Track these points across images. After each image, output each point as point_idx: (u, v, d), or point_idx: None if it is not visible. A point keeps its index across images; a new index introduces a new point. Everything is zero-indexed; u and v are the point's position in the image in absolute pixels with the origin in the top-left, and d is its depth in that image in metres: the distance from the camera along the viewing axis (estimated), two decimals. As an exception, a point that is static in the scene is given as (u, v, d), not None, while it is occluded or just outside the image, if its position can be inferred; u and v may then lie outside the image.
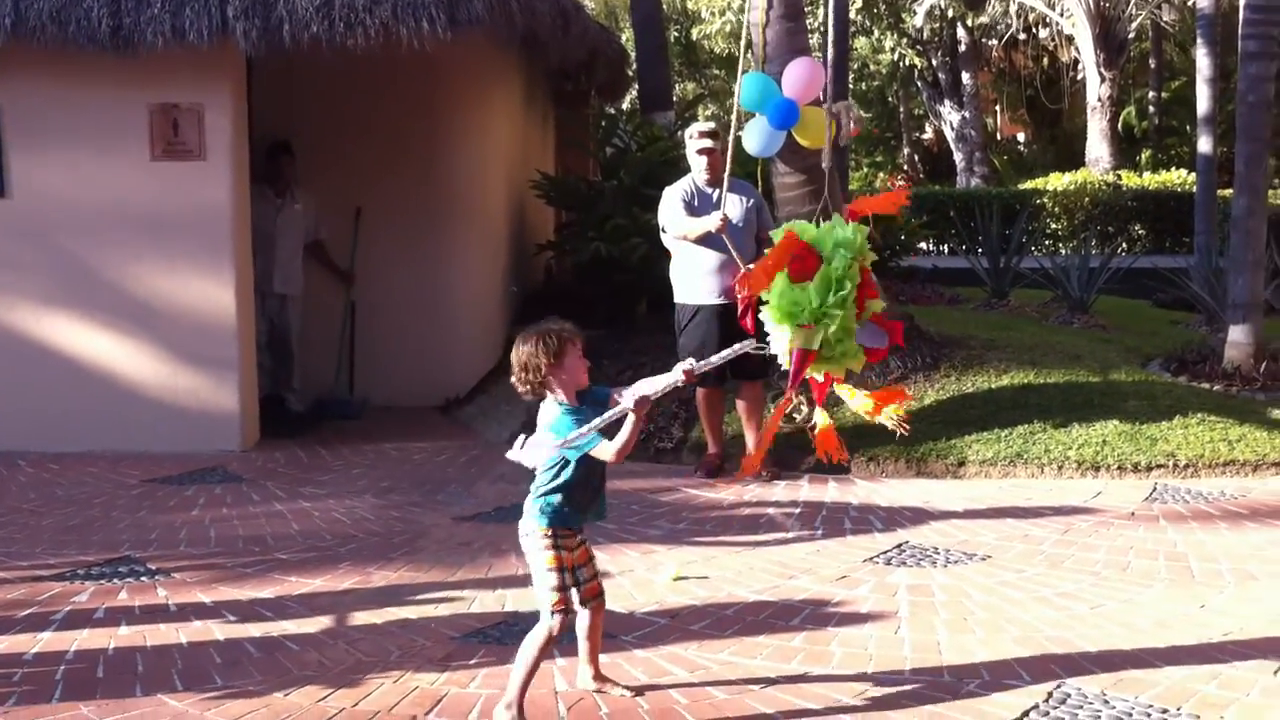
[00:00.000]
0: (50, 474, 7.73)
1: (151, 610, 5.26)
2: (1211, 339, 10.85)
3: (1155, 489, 7.19)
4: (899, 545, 6.16)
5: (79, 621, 5.10)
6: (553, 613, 4.13)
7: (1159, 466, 7.53)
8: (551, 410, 4.17)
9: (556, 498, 4.16)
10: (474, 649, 4.79)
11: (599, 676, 4.40)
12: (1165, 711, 4.14)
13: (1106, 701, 4.23)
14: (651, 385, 4.12)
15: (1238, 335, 9.76)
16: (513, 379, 4.20)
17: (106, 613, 5.22)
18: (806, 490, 7.33)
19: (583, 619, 4.32)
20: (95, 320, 8.41)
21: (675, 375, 4.14)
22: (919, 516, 6.67)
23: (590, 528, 6.40)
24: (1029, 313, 11.99)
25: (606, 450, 4.06)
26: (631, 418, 4.01)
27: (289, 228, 9.43)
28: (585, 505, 4.25)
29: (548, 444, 4.07)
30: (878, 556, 5.98)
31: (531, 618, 5.08)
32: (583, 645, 4.40)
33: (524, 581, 5.57)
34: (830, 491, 7.30)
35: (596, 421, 4.01)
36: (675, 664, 4.64)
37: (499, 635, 4.95)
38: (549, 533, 4.16)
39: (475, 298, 10.43)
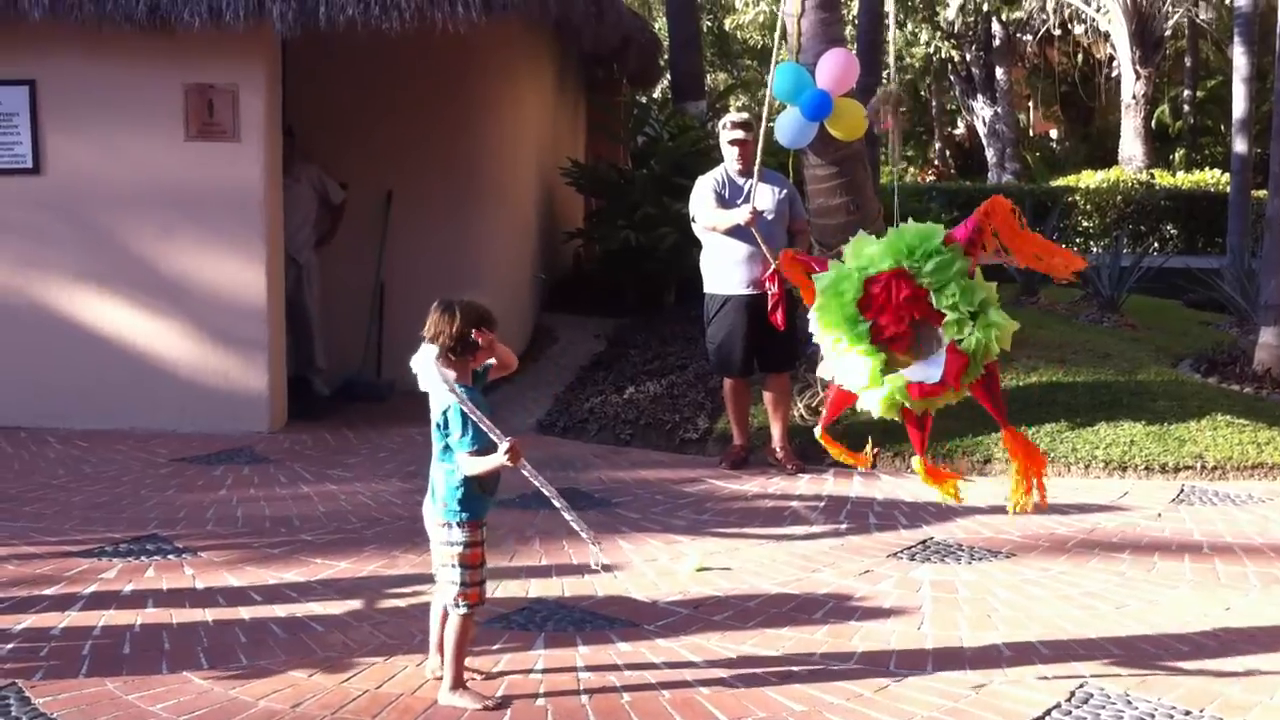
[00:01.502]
0: (79, 451, 7.80)
1: (178, 589, 5.30)
2: (1242, 340, 10.79)
3: (1183, 490, 7.16)
4: (923, 541, 6.15)
5: (106, 598, 5.14)
6: (469, 608, 4.16)
7: (1187, 468, 7.49)
8: (455, 389, 4.12)
9: (475, 485, 4.16)
10: (497, 634, 4.80)
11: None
12: (1189, 713, 4.13)
13: (1129, 702, 4.21)
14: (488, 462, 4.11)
15: (1269, 337, 9.70)
16: (431, 338, 4.15)
17: (134, 590, 5.26)
18: (831, 484, 7.32)
19: (454, 617, 4.24)
20: (126, 298, 8.47)
21: (499, 458, 4.07)
22: (944, 513, 6.65)
23: (610, 515, 6.48)
24: (1059, 310, 11.92)
25: (466, 459, 4.10)
26: (500, 457, 4.04)
27: (294, 204, 9.37)
28: (493, 492, 4.27)
29: (447, 379, 4.07)
30: (901, 552, 5.97)
31: (553, 604, 5.14)
32: (436, 630, 4.35)
33: (546, 571, 5.62)
34: (855, 486, 7.29)
35: (485, 423, 4.05)
36: (697, 654, 4.64)
37: (522, 621, 4.96)
38: (475, 525, 4.18)
39: (503, 283, 10.44)
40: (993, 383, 4.63)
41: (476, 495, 4.20)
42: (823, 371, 4.77)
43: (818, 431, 4.91)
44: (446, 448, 4.18)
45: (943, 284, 4.41)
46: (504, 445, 4.04)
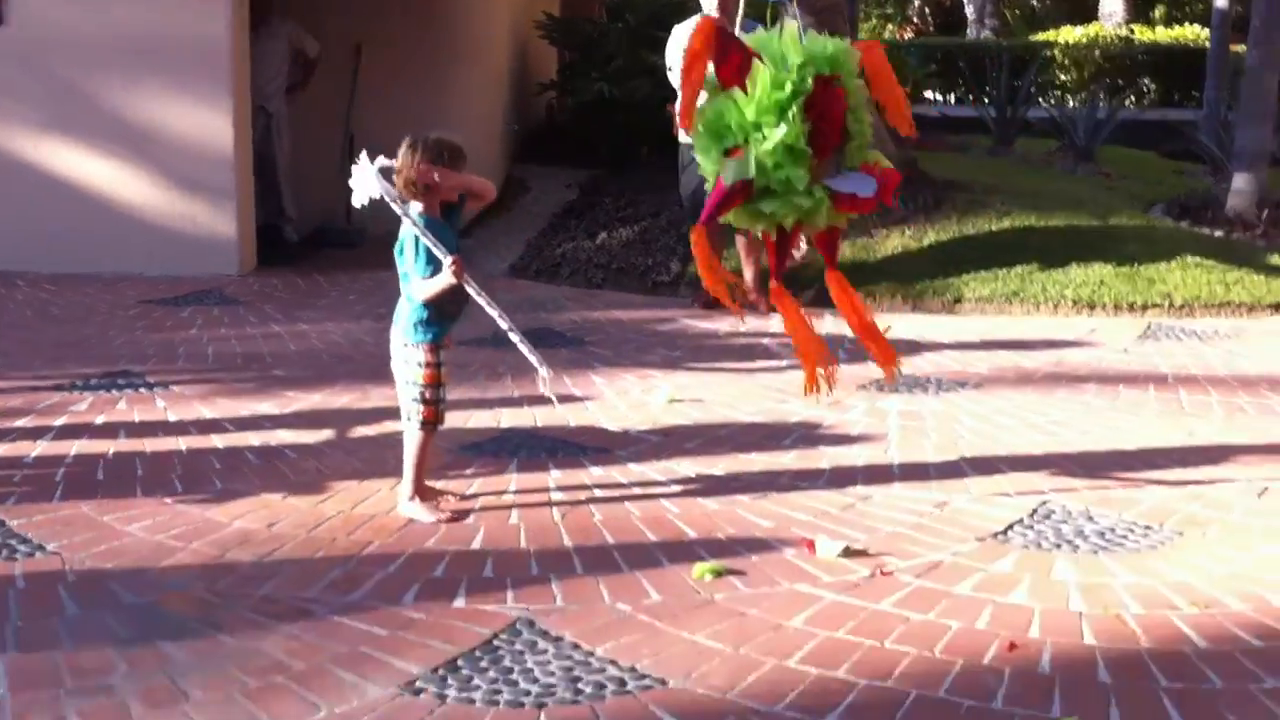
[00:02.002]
0: (47, 293, 7.75)
1: (150, 420, 5.31)
2: (1215, 187, 10.80)
3: (1150, 327, 7.22)
4: (892, 375, 6.20)
5: (78, 429, 5.15)
6: (424, 424, 4.26)
7: (1154, 306, 7.55)
8: (414, 212, 4.18)
9: (434, 310, 4.21)
10: (470, 460, 4.85)
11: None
12: (1149, 528, 4.21)
13: (1090, 518, 4.30)
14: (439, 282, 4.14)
15: (1241, 183, 9.72)
16: (394, 175, 4.18)
17: (105, 421, 5.27)
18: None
19: (410, 431, 4.32)
20: (93, 146, 8.36)
21: (445, 275, 4.11)
22: (913, 348, 6.69)
23: (583, 352, 6.51)
24: (1034, 161, 11.90)
25: (419, 283, 4.17)
26: (445, 274, 4.09)
27: (267, 56, 9.20)
28: (458, 314, 4.33)
29: (389, 193, 4.11)
30: (870, 384, 6.02)
31: (525, 433, 5.18)
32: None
33: (517, 403, 5.66)
34: (826, 324, 7.24)
35: (428, 237, 4.10)
36: (667, 476, 4.71)
37: (494, 448, 5.00)
38: (432, 347, 4.25)
39: (474, 134, 10.28)
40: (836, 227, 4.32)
41: (435, 319, 4.25)
42: (708, 168, 4.13)
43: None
44: (407, 275, 4.21)
45: (856, 106, 4.12)
46: (447, 261, 4.09)
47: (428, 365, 4.25)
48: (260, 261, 8.73)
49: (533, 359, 4.30)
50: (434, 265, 4.15)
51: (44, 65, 8.29)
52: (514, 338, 4.28)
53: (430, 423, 4.28)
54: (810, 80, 3.97)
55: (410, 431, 4.30)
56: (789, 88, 3.93)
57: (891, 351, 4.47)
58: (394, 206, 4.15)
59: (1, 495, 4.41)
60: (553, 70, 13.57)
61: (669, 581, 3.77)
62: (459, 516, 4.25)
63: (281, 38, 9.32)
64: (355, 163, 4.26)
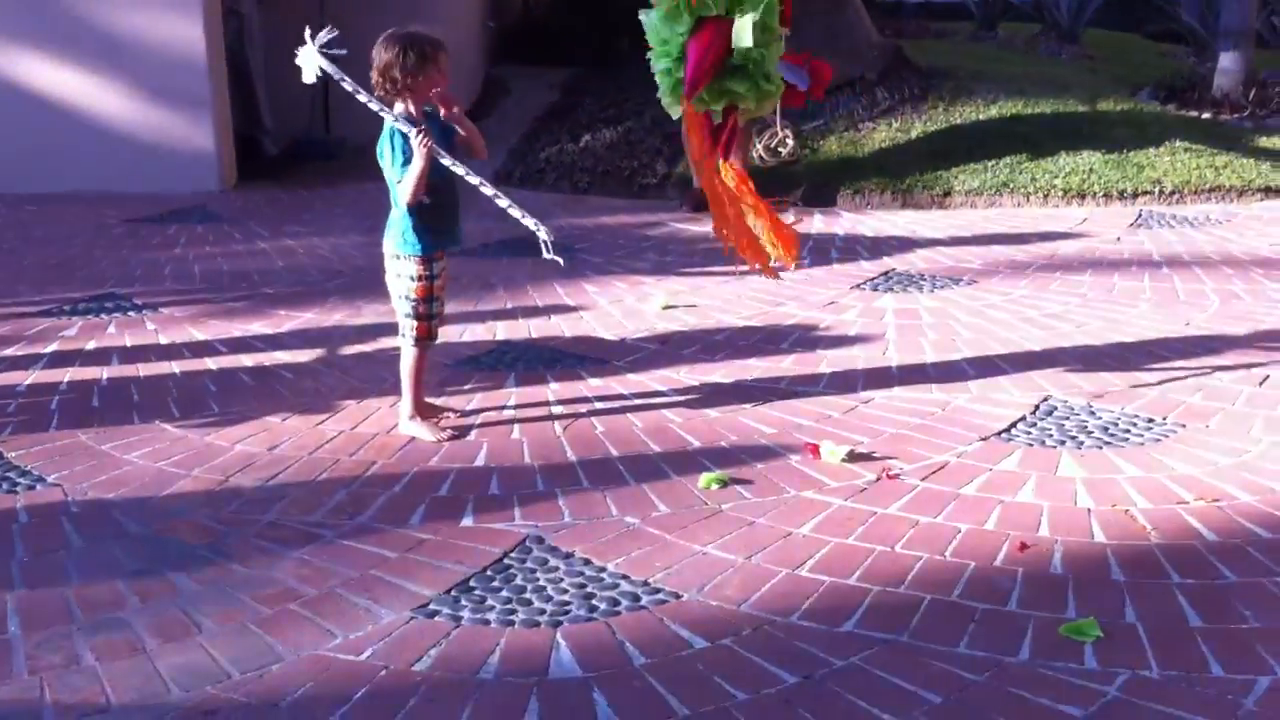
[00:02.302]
0: (27, 215, 7.64)
1: (142, 344, 5.26)
2: (1200, 68, 10.70)
3: (1141, 215, 7.19)
4: (885, 273, 6.17)
5: (69, 356, 5.10)
6: (417, 340, 4.21)
7: (1145, 193, 7.51)
8: (396, 111, 4.07)
9: (423, 216, 4.12)
10: (467, 374, 4.82)
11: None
12: (1151, 421, 4.22)
13: (1093, 412, 4.30)
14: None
15: (1227, 63, 9.63)
16: (372, 78, 4.07)
17: (96, 347, 5.21)
18: (793, 223, 7.27)
19: (405, 348, 4.30)
20: (61, 57, 8.18)
21: (416, 157, 4.00)
22: (905, 245, 6.67)
23: (574, 261, 6.45)
24: (1017, 45, 11.76)
25: (401, 186, 4.05)
26: (416, 157, 3.98)
27: None
28: (454, 224, 4.23)
29: (340, 76, 4.03)
30: (864, 283, 5.99)
31: (522, 345, 5.15)
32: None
33: (512, 314, 5.62)
34: (816, 223, 7.27)
35: (384, 108, 4.02)
36: (667, 385, 4.68)
37: (491, 362, 4.97)
38: (423, 258, 4.16)
39: (451, 33, 10.08)
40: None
41: (425, 228, 4.15)
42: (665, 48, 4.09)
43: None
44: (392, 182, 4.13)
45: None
46: (412, 132, 3.97)
47: (420, 279, 4.17)
48: (241, 175, 8.60)
49: (528, 222, 4.13)
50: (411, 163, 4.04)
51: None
52: (503, 203, 4.12)
53: (424, 338, 4.23)
54: None
55: (405, 347, 4.26)
56: None
57: (794, 239, 4.47)
58: (345, 85, 4.05)
59: (-3, 426, 4.38)
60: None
61: (675, 493, 3.77)
62: (460, 434, 4.23)
63: None
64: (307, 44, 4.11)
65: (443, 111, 4.11)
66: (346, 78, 4.07)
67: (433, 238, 4.17)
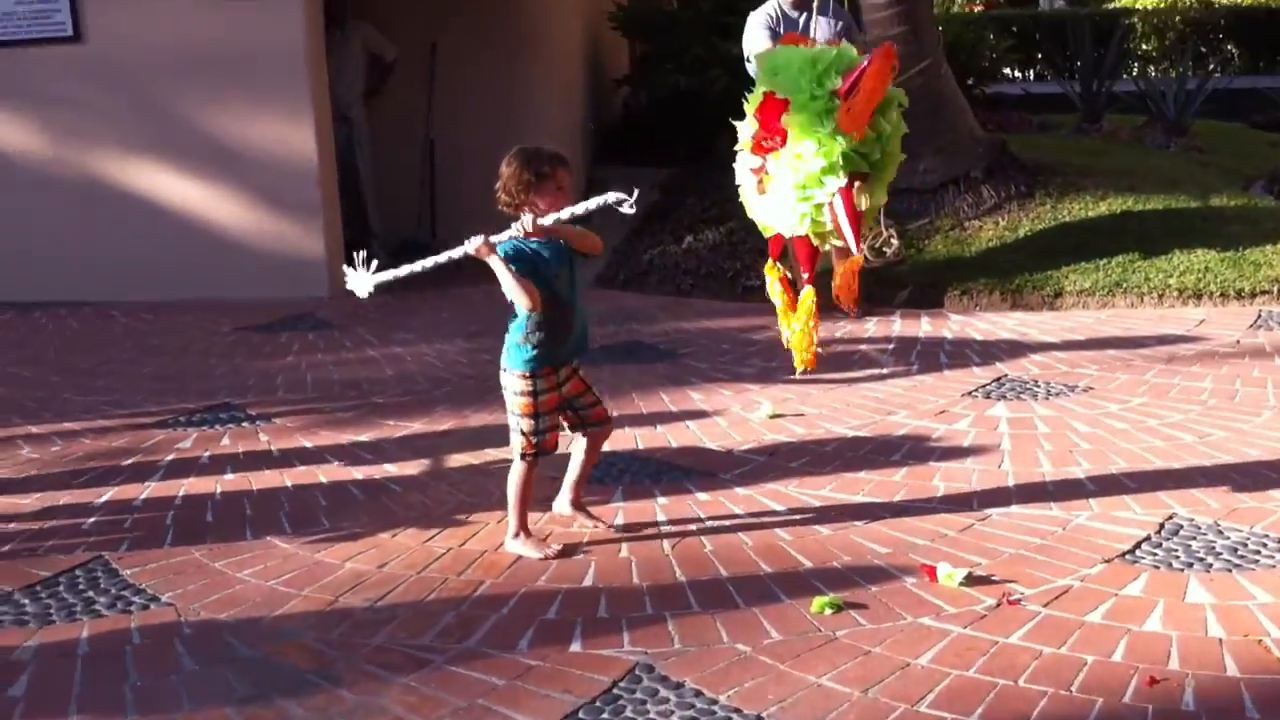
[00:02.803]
0: (144, 324, 7.83)
1: (255, 455, 5.33)
2: (1315, 159, 10.47)
3: (1260, 316, 7.00)
4: (997, 379, 6.06)
5: (185, 467, 5.18)
6: (523, 456, 4.19)
7: (1263, 293, 7.31)
8: (524, 221, 4.07)
9: (532, 335, 4.13)
10: (575, 488, 4.78)
11: (577, 504, 4.43)
12: (1282, 541, 4.06)
13: (1220, 532, 4.15)
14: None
15: (1344, 154, 9.40)
16: (498, 192, 4.13)
17: (211, 458, 5.29)
18: (899, 326, 7.22)
19: (580, 442, 4.38)
20: (176, 166, 8.43)
21: (471, 245, 4.03)
22: (1016, 349, 6.55)
23: (678, 366, 6.43)
24: (1123, 137, 11.61)
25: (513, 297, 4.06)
26: (462, 251, 4.04)
27: (344, 63, 9.23)
28: (563, 341, 4.19)
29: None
30: (976, 390, 5.88)
31: (628, 456, 5.12)
32: (574, 468, 4.42)
33: (618, 421, 5.55)
34: (924, 326, 7.18)
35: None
36: (777, 500, 4.61)
37: (598, 475, 4.92)
38: (525, 375, 4.15)
39: (552, 135, 10.24)
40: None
41: (532, 341, 4.14)
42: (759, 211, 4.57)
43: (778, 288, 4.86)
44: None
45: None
46: (470, 244, 4.01)
47: (523, 394, 4.16)
48: (349, 279, 8.74)
49: (598, 202, 4.04)
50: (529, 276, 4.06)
51: (122, 83, 8.37)
52: (586, 206, 4.03)
53: (528, 454, 4.20)
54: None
55: (514, 461, 4.25)
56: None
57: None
58: (402, 273, 4.16)
59: (114, 541, 4.44)
60: (626, 63, 13.49)
61: (788, 617, 3.68)
62: (566, 552, 4.19)
63: (357, 42, 9.32)
64: (353, 269, 4.20)
65: (521, 231, 4.08)
66: (401, 269, 4.17)
67: (538, 353, 4.16)
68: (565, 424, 4.32)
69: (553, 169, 4.08)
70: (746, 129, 4.51)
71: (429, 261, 4.18)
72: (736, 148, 4.63)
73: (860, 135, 4.28)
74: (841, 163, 4.25)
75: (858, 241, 4.43)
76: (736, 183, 4.71)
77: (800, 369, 4.75)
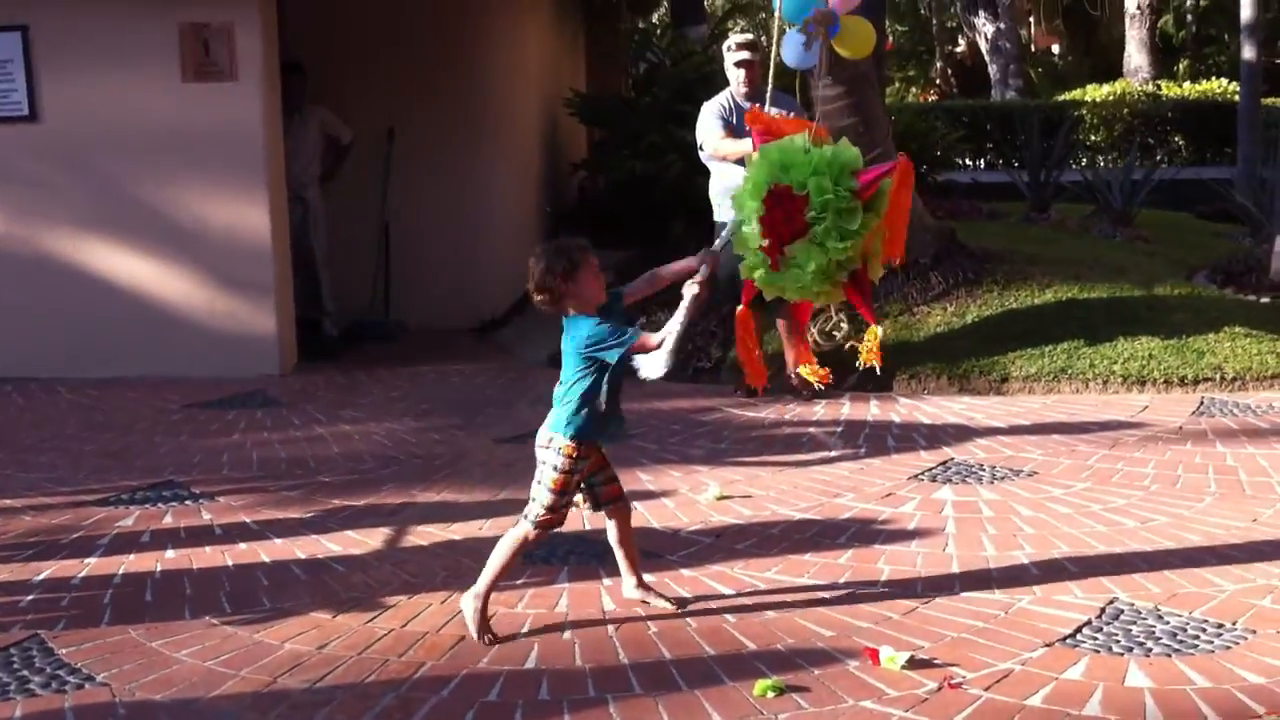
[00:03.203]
0: (90, 400, 7.76)
1: (197, 533, 5.28)
2: (1256, 250, 10.69)
3: (1203, 403, 7.10)
4: (944, 462, 6.10)
5: (125, 545, 5.12)
6: (535, 524, 4.18)
7: (1206, 380, 7.42)
8: (581, 322, 4.13)
9: (587, 409, 4.14)
10: (520, 569, 4.74)
11: (642, 585, 4.43)
12: (1221, 626, 4.09)
13: (1160, 616, 4.18)
14: (676, 322, 4.11)
15: (1284, 246, 9.60)
16: (533, 294, 4.18)
17: (152, 536, 5.23)
18: (848, 409, 7.27)
19: (610, 530, 4.40)
20: (130, 245, 8.41)
21: (688, 294, 4.18)
22: (963, 433, 6.61)
23: (627, 446, 6.43)
24: (1070, 226, 11.82)
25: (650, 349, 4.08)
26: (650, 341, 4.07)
27: (301, 145, 9.30)
28: (609, 418, 4.22)
29: (655, 350, 4.05)
30: (922, 474, 5.92)
31: (574, 537, 5.10)
32: (619, 555, 4.43)
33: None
34: (872, 409, 7.24)
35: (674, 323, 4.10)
36: (722, 583, 4.61)
37: (544, 555, 4.92)
38: (573, 449, 4.15)
39: (509, 218, 10.36)
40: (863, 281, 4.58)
41: (585, 419, 4.14)
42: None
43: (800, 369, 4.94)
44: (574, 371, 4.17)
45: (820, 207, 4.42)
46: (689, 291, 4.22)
47: (562, 472, 4.14)
48: (301, 356, 8.73)
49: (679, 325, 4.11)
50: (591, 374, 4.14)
51: (78, 162, 8.37)
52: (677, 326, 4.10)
53: (540, 527, 4.19)
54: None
55: (519, 526, 4.22)
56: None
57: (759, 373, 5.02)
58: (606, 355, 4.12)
59: (51, 620, 4.37)
60: (583, 148, 13.63)
61: (730, 700, 3.67)
62: (501, 639, 4.15)
63: (314, 125, 9.39)
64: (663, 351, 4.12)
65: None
66: (674, 326, 4.14)
67: (589, 429, 4.16)
68: (583, 501, 4.35)
69: (582, 254, 4.13)
70: (749, 209, 4.56)
71: (680, 311, 4.17)
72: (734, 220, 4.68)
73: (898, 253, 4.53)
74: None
75: (870, 314, 4.65)
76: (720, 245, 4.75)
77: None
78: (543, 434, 4.23)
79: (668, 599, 4.39)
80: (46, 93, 8.32)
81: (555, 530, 4.27)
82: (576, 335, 4.14)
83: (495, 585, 4.23)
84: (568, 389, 4.17)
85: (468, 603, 4.20)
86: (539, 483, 4.19)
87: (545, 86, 11.90)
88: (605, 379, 4.14)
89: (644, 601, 4.39)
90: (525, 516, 4.21)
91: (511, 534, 4.23)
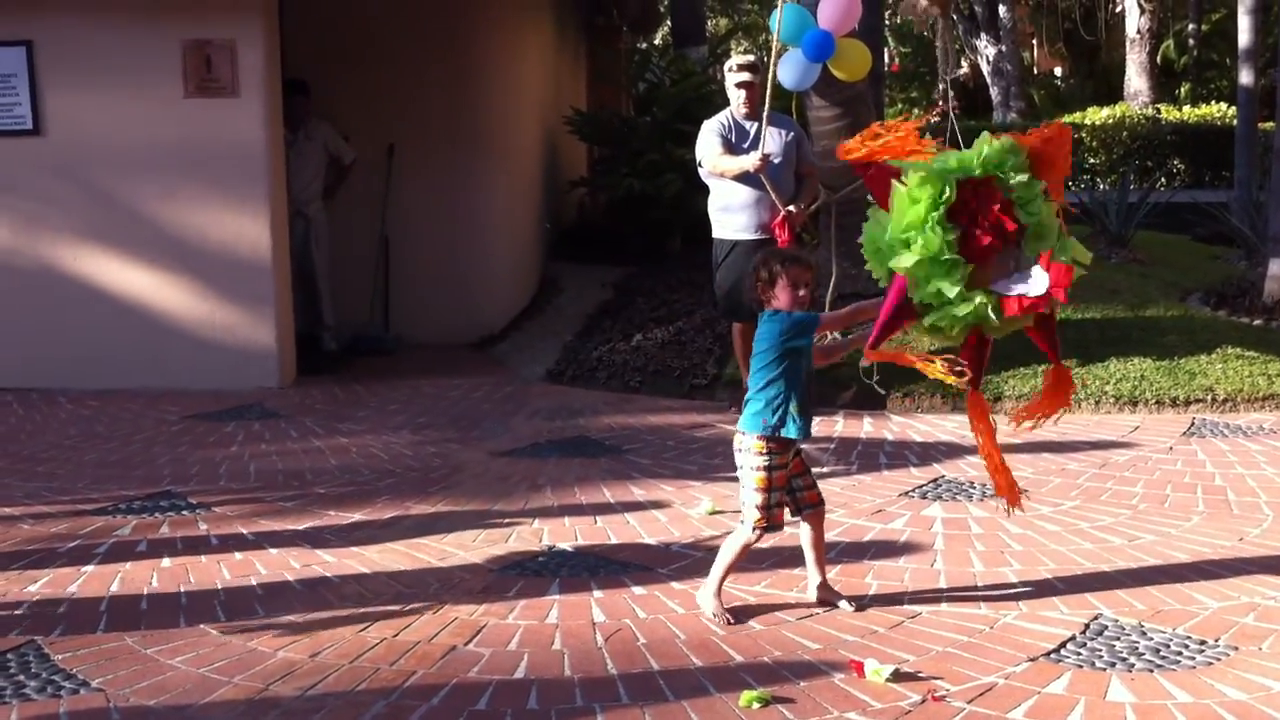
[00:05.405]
0: (90, 411, 7.82)
1: (193, 543, 5.32)
2: (1251, 273, 10.75)
3: (1193, 424, 7.15)
4: (934, 480, 6.16)
5: (122, 554, 5.17)
6: (754, 528, 4.34)
7: (1197, 401, 7.48)
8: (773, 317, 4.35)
9: (769, 406, 4.29)
10: (512, 581, 4.82)
11: (825, 585, 4.56)
12: (1203, 643, 4.14)
13: (1144, 633, 4.22)
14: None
15: (1277, 269, 9.66)
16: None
17: (149, 546, 5.28)
18: (842, 425, 7.32)
19: (805, 531, 4.54)
20: (132, 257, 8.47)
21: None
22: (954, 451, 6.66)
23: (622, 461, 6.49)
24: (1066, 248, 11.86)
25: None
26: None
27: (304, 163, 9.39)
28: (796, 415, 4.31)
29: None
30: (913, 490, 5.97)
31: (567, 553, 5.15)
32: (809, 556, 4.57)
33: (559, 514, 5.63)
34: (865, 427, 7.29)
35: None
36: (712, 596, 4.65)
37: (536, 568, 4.98)
38: (764, 449, 4.30)
39: (508, 234, 10.42)
40: (1050, 317, 4.31)
41: (770, 415, 4.27)
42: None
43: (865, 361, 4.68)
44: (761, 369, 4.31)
45: (1027, 200, 4.07)
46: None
47: (759, 469, 4.29)
48: (300, 369, 8.79)
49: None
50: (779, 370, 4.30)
51: (81, 175, 8.43)
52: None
53: (759, 528, 4.34)
54: (952, 189, 4.01)
55: (740, 528, 4.41)
56: (924, 201, 3.99)
57: (1012, 483, 4.55)
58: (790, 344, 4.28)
59: (47, 626, 4.41)
60: (583, 166, 13.72)
61: (716, 711, 3.72)
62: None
63: (317, 141, 9.47)
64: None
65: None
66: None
67: (778, 427, 4.28)
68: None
69: (781, 268, 4.32)
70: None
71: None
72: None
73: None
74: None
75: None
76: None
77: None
78: (736, 435, 4.41)
79: (848, 599, 4.53)
80: (50, 107, 8.40)
81: (780, 529, 4.40)
82: (770, 330, 4.32)
83: (725, 578, 4.45)
84: (754, 389, 4.36)
85: (706, 600, 4.44)
86: (744, 486, 4.36)
87: (546, 104, 11.99)
88: (785, 374, 4.28)
89: (823, 601, 4.53)
90: (742, 522, 4.39)
91: (734, 537, 4.44)
